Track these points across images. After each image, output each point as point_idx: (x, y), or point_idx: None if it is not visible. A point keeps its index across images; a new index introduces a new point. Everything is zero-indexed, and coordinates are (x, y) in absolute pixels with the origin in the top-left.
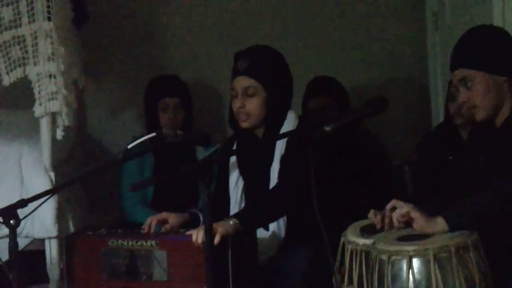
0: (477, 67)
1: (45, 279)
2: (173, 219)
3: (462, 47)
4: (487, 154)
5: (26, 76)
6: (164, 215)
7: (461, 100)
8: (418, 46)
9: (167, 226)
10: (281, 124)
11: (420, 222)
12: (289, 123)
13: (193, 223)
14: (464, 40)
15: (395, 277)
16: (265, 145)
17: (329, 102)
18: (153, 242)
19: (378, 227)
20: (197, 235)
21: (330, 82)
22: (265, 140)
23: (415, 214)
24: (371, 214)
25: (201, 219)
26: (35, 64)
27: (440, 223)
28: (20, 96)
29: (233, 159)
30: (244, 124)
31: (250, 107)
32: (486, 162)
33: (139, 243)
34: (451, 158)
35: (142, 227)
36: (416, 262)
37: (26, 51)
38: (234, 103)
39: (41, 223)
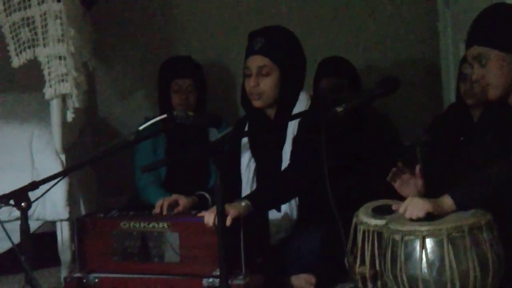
0: (492, 45)
1: (57, 261)
2: (183, 201)
3: (479, 24)
4: (500, 134)
5: (35, 58)
6: (174, 197)
7: (474, 78)
8: (429, 25)
9: (179, 208)
10: (293, 105)
11: (434, 210)
12: (301, 104)
13: (201, 205)
14: (481, 17)
15: (408, 257)
16: (277, 126)
17: (340, 82)
18: (165, 224)
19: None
20: (209, 217)
21: (341, 62)
22: (277, 121)
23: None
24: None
25: (209, 201)
26: (44, 46)
27: (447, 201)
28: (30, 78)
29: (244, 140)
30: (257, 103)
31: (264, 87)
32: (499, 142)
33: (151, 225)
34: (462, 139)
35: (154, 211)
36: (429, 242)
37: (36, 33)
38: (248, 82)
39: (53, 206)
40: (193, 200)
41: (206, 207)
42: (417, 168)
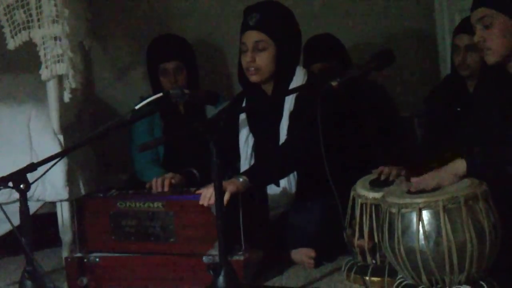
0: (500, 8)
1: (58, 242)
2: (177, 179)
3: None
4: (502, 102)
5: (31, 40)
6: (167, 176)
7: (475, 39)
8: None
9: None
10: (290, 80)
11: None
12: (298, 79)
13: (189, 182)
14: None
15: (405, 229)
16: (274, 101)
17: (329, 65)
18: (160, 204)
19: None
20: (206, 195)
21: (327, 44)
22: (274, 96)
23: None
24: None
25: (198, 176)
26: (39, 27)
27: (459, 164)
28: (27, 59)
29: (242, 116)
30: (254, 78)
31: (260, 62)
32: (500, 111)
33: (146, 204)
34: (458, 109)
35: (147, 185)
36: (426, 214)
37: (30, 14)
38: (244, 57)
39: (52, 186)
40: (182, 178)
41: (195, 184)
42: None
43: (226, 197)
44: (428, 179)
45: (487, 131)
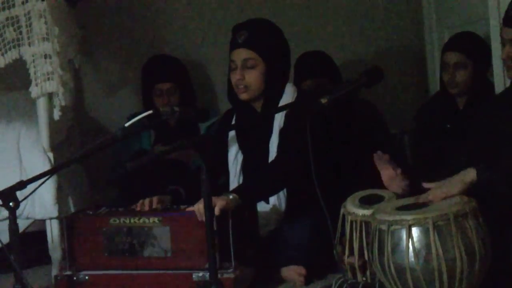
0: None
1: (48, 259)
2: (166, 199)
3: None
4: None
5: (21, 57)
6: (155, 199)
7: (503, 56)
8: (414, 13)
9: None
10: (280, 97)
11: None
12: (288, 96)
13: (175, 200)
14: None
15: (395, 246)
16: (264, 119)
17: (321, 82)
18: (156, 219)
19: None
20: (200, 210)
21: (319, 61)
22: (264, 113)
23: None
24: None
25: (183, 195)
26: (29, 45)
27: (468, 171)
28: (17, 77)
29: (232, 133)
30: (243, 96)
31: (250, 79)
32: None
33: (141, 220)
34: (448, 126)
35: (138, 206)
36: (415, 231)
37: (20, 32)
38: (233, 75)
39: (42, 204)
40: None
41: (180, 203)
42: (398, 171)
43: (217, 211)
44: (436, 190)
45: (489, 147)
